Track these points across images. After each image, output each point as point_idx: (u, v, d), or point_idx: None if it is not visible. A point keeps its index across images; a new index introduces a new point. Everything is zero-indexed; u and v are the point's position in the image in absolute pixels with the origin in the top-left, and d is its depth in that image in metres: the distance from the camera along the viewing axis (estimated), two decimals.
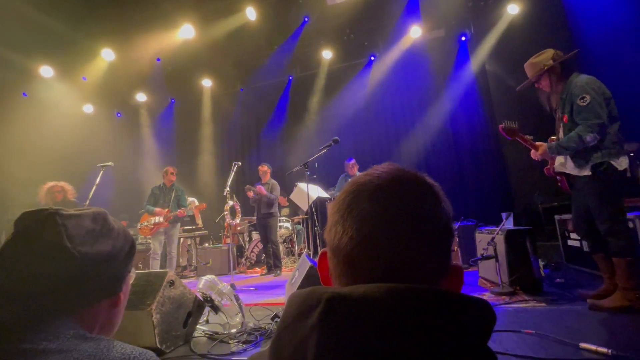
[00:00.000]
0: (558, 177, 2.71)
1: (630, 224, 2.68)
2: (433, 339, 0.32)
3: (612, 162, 2.27)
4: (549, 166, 2.75)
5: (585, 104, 2.27)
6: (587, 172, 2.35)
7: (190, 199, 6.68)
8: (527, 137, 2.63)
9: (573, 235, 3.62)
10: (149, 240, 5.99)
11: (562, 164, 2.57)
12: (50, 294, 0.57)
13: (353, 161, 5.57)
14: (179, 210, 5.00)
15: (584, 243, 3.29)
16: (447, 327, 0.33)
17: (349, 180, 0.48)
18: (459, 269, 0.44)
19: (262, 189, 5.21)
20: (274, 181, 5.46)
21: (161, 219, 4.92)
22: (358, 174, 5.46)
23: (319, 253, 0.49)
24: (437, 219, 0.42)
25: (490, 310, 0.36)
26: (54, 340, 0.53)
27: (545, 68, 2.49)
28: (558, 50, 2.54)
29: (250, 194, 5.39)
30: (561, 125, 2.51)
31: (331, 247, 0.44)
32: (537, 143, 2.62)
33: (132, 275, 0.73)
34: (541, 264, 3.22)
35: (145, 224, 5.03)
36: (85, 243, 0.61)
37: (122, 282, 0.68)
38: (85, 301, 0.61)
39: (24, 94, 7.52)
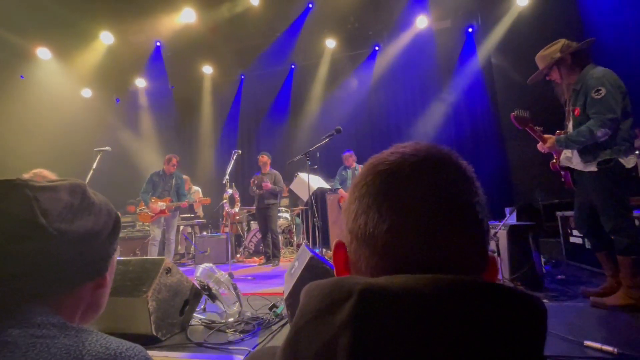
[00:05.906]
0: (562, 172, 2.66)
1: (637, 222, 2.63)
2: (491, 337, 0.28)
3: (620, 160, 2.22)
4: (554, 160, 2.69)
5: (599, 96, 2.19)
6: (592, 167, 2.30)
7: (195, 187, 6.63)
8: (537, 128, 2.56)
9: (575, 232, 3.59)
10: (147, 228, 5.96)
11: (568, 158, 2.50)
12: (23, 278, 0.50)
13: (350, 152, 5.49)
14: (183, 202, 5.01)
15: (587, 240, 3.26)
16: (505, 325, 0.28)
17: (370, 160, 0.41)
18: (495, 259, 0.39)
19: (268, 185, 5.13)
20: (275, 172, 5.37)
21: (164, 206, 4.90)
22: (356, 165, 5.44)
23: (334, 243, 0.43)
24: (481, 202, 0.38)
25: (544, 308, 0.31)
26: (25, 330, 0.46)
27: (554, 60, 2.41)
28: (571, 41, 2.44)
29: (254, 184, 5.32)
30: (571, 118, 2.43)
31: (361, 236, 0.38)
32: (545, 135, 2.55)
33: (117, 253, 0.66)
34: (542, 260, 3.19)
35: (145, 210, 4.98)
36: (63, 219, 0.53)
37: (107, 262, 0.61)
38: (65, 286, 0.54)
39: (22, 76, 7.39)
